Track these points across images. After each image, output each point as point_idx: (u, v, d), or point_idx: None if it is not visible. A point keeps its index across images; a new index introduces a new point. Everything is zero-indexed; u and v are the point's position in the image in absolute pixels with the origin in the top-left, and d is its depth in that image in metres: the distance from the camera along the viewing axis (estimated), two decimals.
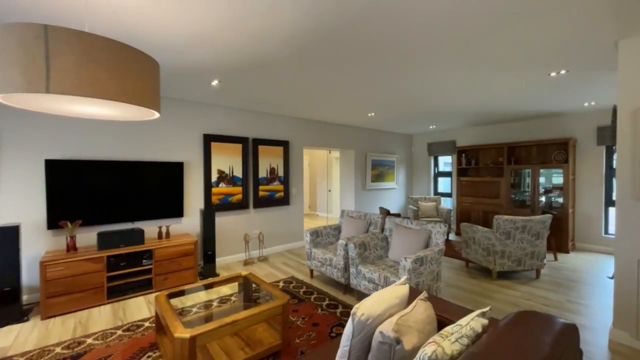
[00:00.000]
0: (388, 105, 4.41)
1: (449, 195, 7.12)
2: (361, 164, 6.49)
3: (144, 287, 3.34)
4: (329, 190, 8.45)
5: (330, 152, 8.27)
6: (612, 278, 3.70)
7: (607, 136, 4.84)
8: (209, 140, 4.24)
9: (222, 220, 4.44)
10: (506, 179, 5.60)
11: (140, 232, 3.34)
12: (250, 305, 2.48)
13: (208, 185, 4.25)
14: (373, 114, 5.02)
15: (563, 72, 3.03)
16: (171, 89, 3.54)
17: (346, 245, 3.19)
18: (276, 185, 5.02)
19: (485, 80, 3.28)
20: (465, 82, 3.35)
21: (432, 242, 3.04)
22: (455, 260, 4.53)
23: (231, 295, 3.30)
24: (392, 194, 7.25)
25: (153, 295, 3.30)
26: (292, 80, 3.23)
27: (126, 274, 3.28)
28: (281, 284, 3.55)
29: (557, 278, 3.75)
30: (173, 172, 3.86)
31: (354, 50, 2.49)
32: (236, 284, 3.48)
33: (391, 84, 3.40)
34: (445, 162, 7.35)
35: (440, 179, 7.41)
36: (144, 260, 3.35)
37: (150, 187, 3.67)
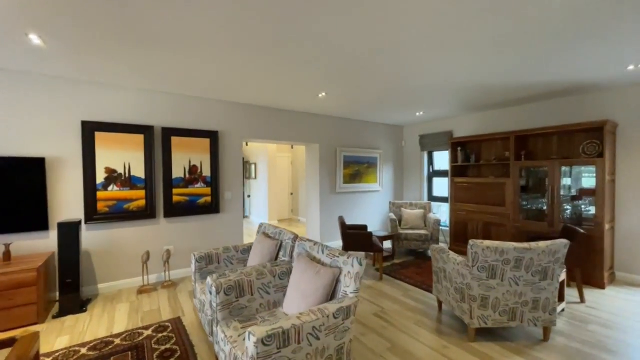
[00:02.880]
0: (343, 80, 3.17)
1: (446, 200, 5.67)
2: (329, 161, 5.24)
3: None
4: (291, 194, 7.25)
5: (292, 147, 7.07)
6: None
7: None
8: (91, 129, 3.23)
9: (116, 234, 3.41)
10: (514, 180, 4.12)
11: None
12: None
13: (91, 189, 3.24)
14: (324, 94, 3.78)
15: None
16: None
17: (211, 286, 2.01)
18: (199, 188, 3.92)
19: (478, 35, 1.96)
20: (449, 40, 2.05)
21: (339, 289, 1.78)
22: (429, 296, 3.19)
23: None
24: (374, 199, 5.92)
25: None
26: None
27: None
28: (144, 334, 2.43)
29: (581, 340, 2.32)
30: (28, 171, 2.88)
31: None
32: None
33: (333, 41, 2.17)
34: (443, 158, 5.89)
35: (437, 180, 5.97)
36: None
37: None
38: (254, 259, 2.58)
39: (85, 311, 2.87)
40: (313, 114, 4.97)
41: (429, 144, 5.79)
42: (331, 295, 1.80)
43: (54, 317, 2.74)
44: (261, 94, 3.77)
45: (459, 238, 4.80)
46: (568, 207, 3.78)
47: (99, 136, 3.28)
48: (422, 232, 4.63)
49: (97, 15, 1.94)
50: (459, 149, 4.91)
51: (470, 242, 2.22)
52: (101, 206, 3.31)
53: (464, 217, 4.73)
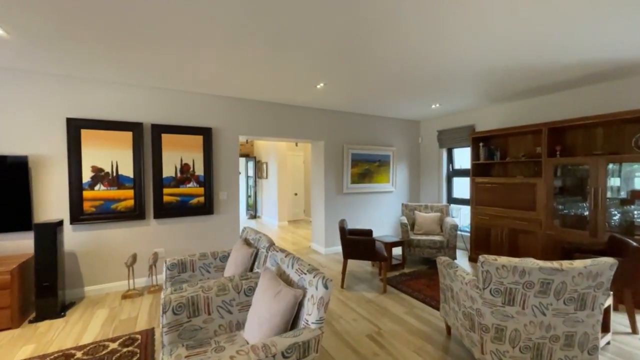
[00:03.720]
0: (342, 67, 2.80)
1: (468, 202, 5.07)
2: (336, 159, 4.86)
3: None
4: (295, 194, 6.91)
5: (297, 145, 6.73)
6: None
7: None
8: (76, 126, 3.12)
9: (103, 235, 3.28)
10: (547, 180, 3.50)
11: None
12: None
13: (76, 188, 3.13)
14: (322, 84, 3.42)
15: None
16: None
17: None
18: (192, 188, 3.72)
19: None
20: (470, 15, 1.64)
21: (302, 315, 1.43)
22: (437, 315, 2.72)
23: None
24: (386, 200, 5.45)
25: None
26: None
27: None
28: (109, 347, 2.22)
29: None
30: (10, 170, 2.81)
31: None
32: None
33: (332, 27, 1.84)
34: (465, 156, 5.29)
35: (457, 180, 5.38)
36: None
37: None
38: (229, 269, 2.29)
39: (63, 316, 2.75)
40: (316, 109, 4.62)
41: (448, 139, 5.22)
42: (292, 323, 1.45)
43: (30, 322, 2.63)
44: (256, 86, 3.49)
45: (480, 245, 4.23)
46: (616, 212, 3.12)
47: (85, 133, 3.17)
48: (437, 238, 4.12)
49: (72, 9, 1.74)
50: (481, 144, 4.32)
51: (481, 258, 1.76)
52: (87, 206, 3.19)
53: (487, 222, 4.15)
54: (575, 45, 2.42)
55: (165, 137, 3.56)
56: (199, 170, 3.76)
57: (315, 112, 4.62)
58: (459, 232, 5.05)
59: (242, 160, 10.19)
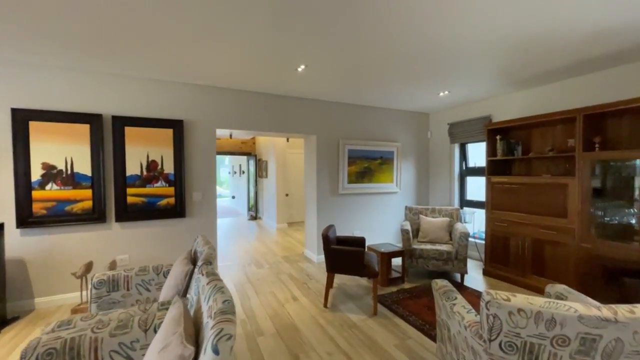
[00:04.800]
0: (324, 44, 2.29)
1: (484, 205, 4.38)
2: (330, 156, 4.33)
3: None
4: (286, 195, 6.40)
5: (288, 140, 6.21)
6: None
7: None
8: (23, 117, 2.77)
9: (57, 240, 2.93)
10: (582, 180, 2.82)
11: None
12: None
13: (24, 187, 2.78)
14: (303, 66, 2.90)
15: None
16: None
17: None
18: (160, 188, 3.31)
19: None
20: None
21: None
22: (431, 346, 2.14)
23: None
24: (390, 202, 4.86)
25: None
26: None
27: None
28: None
29: None
30: None
31: None
32: None
33: None
34: (480, 152, 4.60)
35: (471, 180, 4.70)
36: None
37: None
38: (164, 291, 1.82)
39: None
40: (306, 99, 4.10)
41: (460, 133, 4.56)
42: None
43: None
44: (230, 72, 3.02)
45: (497, 258, 3.56)
46: None
47: (35, 126, 2.81)
48: (444, 247, 3.49)
49: None
50: (498, 137, 3.65)
51: (485, 295, 1.19)
52: (37, 208, 2.84)
53: (505, 230, 3.48)
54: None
55: (129, 131, 3.16)
56: (169, 168, 3.34)
57: (305, 103, 4.10)
58: (472, 239, 4.38)
59: (244, 158, 9.84)
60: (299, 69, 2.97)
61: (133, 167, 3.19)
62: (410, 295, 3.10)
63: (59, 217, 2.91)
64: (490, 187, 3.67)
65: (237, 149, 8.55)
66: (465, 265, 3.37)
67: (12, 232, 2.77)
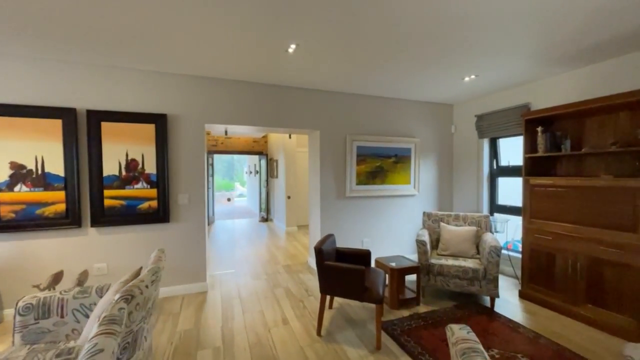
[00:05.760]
0: (316, 15, 1.82)
1: (520, 212, 3.67)
2: (336, 154, 3.83)
3: None
4: (288, 197, 5.90)
5: (290, 137, 5.71)
6: None
7: None
8: None
9: (27, 247, 2.68)
10: None
11: None
12: None
13: None
14: (294, 46, 2.43)
15: None
16: None
17: None
18: (141, 190, 2.98)
19: None
20: None
21: None
22: None
23: None
24: (407, 207, 4.26)
25: None
26: None
27: None
28: None
29: None
30: None
31: None
32: None
33: None
34: (515, 148, 3.87)
35: (504, 182, 3.99)
36: None
37: None
38: (90, 326, 1.43)
39: None
40: (306, 89, 3.62)
41: (491, 127, 3.87)
42: None
43: None
44: (213, 57, 2.62)
45: (539, 278, 2.88)
46: None
47: (1, 122, 2.57)
48: (469, 263, 2.87)
49: None
50: (539, 129, 2.96)
51: None
52: (5, 211, 2.59)
53: (549, 245, 2.79)
54: None
55: (106, 126, 2.86)
56: (151, 168, 3.01)
57: (306, 94, 3.63)
58: (505, 251, 3.69)
59: (255, 158, 9.56)
60: (290, 49, 2.50)
61: (111, 167, 2.88)
62: (426, 322, 2.53)
63: (30, 221, 2.66)
64: (528, 190, 2.99)
65: (249, 148, 8.26)
66: (497, 286, 2.73)
67: None
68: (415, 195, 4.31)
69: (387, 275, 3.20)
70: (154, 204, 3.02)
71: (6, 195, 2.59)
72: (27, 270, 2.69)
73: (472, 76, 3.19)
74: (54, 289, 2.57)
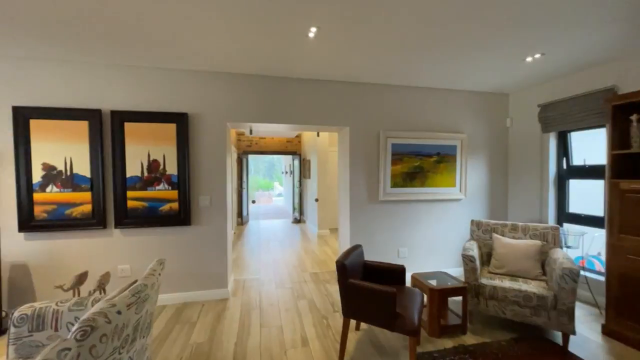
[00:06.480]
0: None
1: (598, 222, 2.94)
2: (368, 152, 3.44)
3: None
4: (316, 200, 5.51)
5: (318, 135, 5.31)
6: None
7: None
8: (25, 116, 2.62)
9: (58, 246, 2.74)
10: None
11: None
12: None
13: (25, 189, 2.64)
14: (315, 29, 2.12)
15: None
16: None
17: None
18: (162, 191, 2.91)
19: None
20: None
21: None
22: None
23: None
24: (450, 212, 3.71)
25: None
26: None
27: None
28: None
29: None
30: None
31: None
32: None
33: None
34: (592, 144, 3.13)
35: (576, 185, 3.26)
36: None
37: None
38: None
39: None
40: (334, 82, 3.29)
41: (559, 118, 3.18)
42: None
43: None
44: (233, 50, 2.43)
45: (630, 312, 2.21)
46: None
47: (35, 124, 2.65)
48: (533, 287, 2.30)
49: None
50: (634, 117, 2.27)
51: None
52: (38, 211, 2.67)
53: None
54: None
55: (129, 127, 2.83)
56: (172, 169, 2.92)
57: (332, 87, 3.30)
58: (585, 274, 2.98)
59: (289, 158, 9.45)
60: (310, 34, 2.20)
61: (133, 168, 2.85)
62: (474, 358, 2.05)
63: (59, 221, 2.71)
64: (617, 197, 2.32)
65: (283, 148, 8.17)
66: (572, 319, 2.14)
67: (15, 236, 2.65)
68: (461, 200, 3.74)
69: (425, 296, 2.74)
70: (175, 205, 2.93)
71: (40, 196, 2.67)
72: (57, 268, 2.75)
73: (537, 55, 2.59)
74: (78, 290, 2.58)
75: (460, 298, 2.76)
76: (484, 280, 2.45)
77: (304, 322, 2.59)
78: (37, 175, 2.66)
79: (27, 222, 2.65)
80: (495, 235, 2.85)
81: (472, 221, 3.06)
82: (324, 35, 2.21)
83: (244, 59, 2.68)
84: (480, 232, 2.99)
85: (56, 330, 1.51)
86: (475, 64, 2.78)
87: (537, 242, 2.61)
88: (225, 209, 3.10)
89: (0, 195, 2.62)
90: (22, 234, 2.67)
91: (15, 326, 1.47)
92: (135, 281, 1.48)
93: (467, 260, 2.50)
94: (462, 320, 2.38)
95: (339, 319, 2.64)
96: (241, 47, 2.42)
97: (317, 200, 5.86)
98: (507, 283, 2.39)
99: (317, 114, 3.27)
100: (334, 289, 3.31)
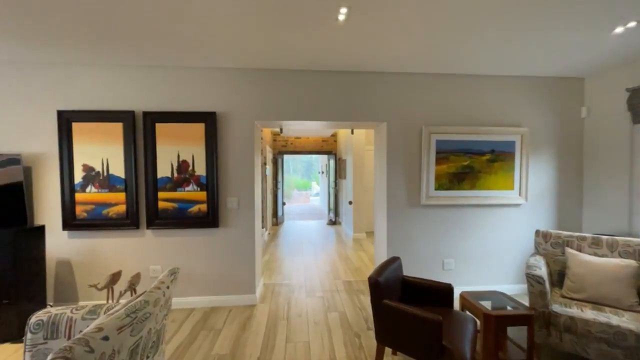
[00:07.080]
0: None
1: None
2: (408, 151, 3.08)
3: None
4: (350, 203, 5.10)
5: (352, 132, 4.89)
6: None
7: None
8: (67, 119, 2.73)
9: (96, 245, 2.83)
10: None
11: None
12: None
13: (69, 190, 2.76)
14: (345, 10, 1.86)
15: None
16: None
17: None
18: (191, 192, 2.87)
19: None
20: None
21: None
22: None
23: None
24: (508, 220, 3.18)
25: None
26: None
27: None
28: None
29: None
30: (4, 171, 2.62)
31: None
32: None
33: None
34: None
35: None
36: None
37: None
38: None
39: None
40: (369, 73, 2.98)
41: None
42: None
43: None
44: (258, 41, 2.27)
45: None
46: None
47: (77, 127, 2.75)
48: (628, 322, 1.78)
49: None
50: None
51: None
52: (79, 210, 2.78)
53: None
54: None
55: (160, 128, 2.82)
56: (200, 169, 2.86)
57: (367, 79, 2.99)
58: None
59: (324, 157, 9.24)
60: (340, 17, 1.93)
61: (164, 169, 2.84)
62: None
63: (97, 221, 2.79)
64: None
65: (318, 147, 8.00)
66: None
67: (59, 234, 2.78)
68: (521, 205, 3.18)
69: (478, 322, 2.32)
70: (203, 207, 2.87)
71: (80, 196, 2.77)
72: (96, 267, 2.84)
73: (631, 24, 2.02)
74: (112, 289, 2.62)
75: (524, 328, 2.28)
76: (556, 308, 1.98)
77: (334, 339, 2.34)
78: (78, 176, 2.77)
79: (70, 221, 2.76)
80: (569, 250, 2.32)
81: (538, 232, 2.54)
82: (355, 18, 1.93)
83: (272, 53, 2.51)
84: (549, 245, 2.46)
85: (69, 338, 1.45)
86: (544, 42, 2.28)
87: (632, 262, 2.04)
88: (254, 212, 2.96)
89: (47, 195, 2.76)
90: (65, 232, 2.80)
91: (31, 332, 1.43)
92: (142, 293, 1.35)
93: (533, 281, 2.03)
94: (528, 356, 1.94)
95: (372, 338, 2.34)
96: (270, 41, 2.25)
97: (350, 203, 5.56)
98: (589, 314, 1.89)
99: (350, 109, 2.99)
100: (369, 302, 3.01)
